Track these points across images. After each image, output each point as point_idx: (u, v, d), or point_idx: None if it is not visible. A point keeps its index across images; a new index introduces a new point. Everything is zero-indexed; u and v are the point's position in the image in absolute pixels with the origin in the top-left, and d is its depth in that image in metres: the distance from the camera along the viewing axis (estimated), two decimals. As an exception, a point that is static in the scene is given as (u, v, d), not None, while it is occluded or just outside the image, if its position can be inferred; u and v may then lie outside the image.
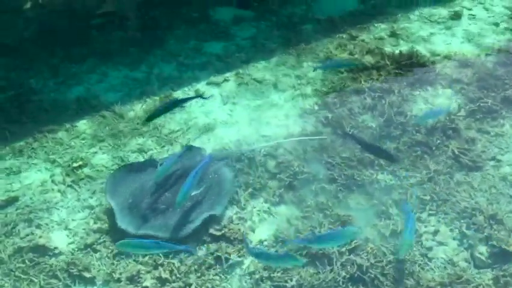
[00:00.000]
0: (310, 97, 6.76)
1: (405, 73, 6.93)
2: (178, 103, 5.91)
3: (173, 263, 4.92)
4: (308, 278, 4.82)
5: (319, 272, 4.87)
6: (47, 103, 6.77)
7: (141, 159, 6.01)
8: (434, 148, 5.94)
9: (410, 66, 7.02)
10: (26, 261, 5.01)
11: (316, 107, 6.57)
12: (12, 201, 5.63)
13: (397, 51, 7.26)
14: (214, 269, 4.97)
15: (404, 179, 5.65)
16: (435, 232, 5.23)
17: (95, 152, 6.11)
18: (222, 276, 4.93)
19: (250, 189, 5.62)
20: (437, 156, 5.88)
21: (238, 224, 5.31)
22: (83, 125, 6.50)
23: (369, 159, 5.81)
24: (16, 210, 5.53)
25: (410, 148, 5.96)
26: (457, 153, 5.85)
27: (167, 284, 4.80)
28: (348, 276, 4.83)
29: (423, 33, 7.80)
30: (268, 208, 5.51)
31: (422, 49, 7.41)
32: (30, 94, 6.89)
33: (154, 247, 4.54)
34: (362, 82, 6.82)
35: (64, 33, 7.49)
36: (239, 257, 5.05)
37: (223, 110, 6.66)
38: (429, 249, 5.10)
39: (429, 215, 5.39)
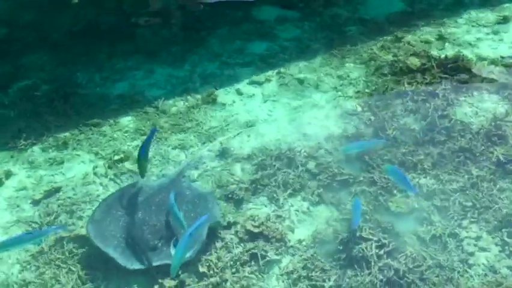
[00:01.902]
0: (352, 99, 6.71)
1: (451, 77, 6.81)
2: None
3: (211, 260, 4.93)
4: (346, 279, 4.78)
5: (357, 274, 4.82)
6: (92, 97, 6.89)
7: (182, 156, 6.06)
8: (478, 154, 5.82)
9: (456, 70, 6.90)
10: (66, 252, 5.10)
11: (358, 109, 6.52)
12: (54, 192, 5.74)
13: (443, 55, 7.14)
14: (250, 266, 4.96)
15: (446, 183, 5.55)
16: (477, 238, 5.13)
17: (138, 146, 6.19)
18: (259, 275, 4.93)
19: (289, 190, 5.61)
20: (480, 162, 5.75)
21: (276, 222, 5.30)
22: (126, 119, 6.59)
23: (412, 162, 5.73)
24: (58, 201, 5.64)
25: (454, 153, 5.85)
26: (501, 159, 5.72)
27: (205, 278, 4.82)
28: (385, 279, 4.77)
29: (470, 38, 7.67)
30: (308, 208, 5.49)
31: (468, 53, 7.28)
32: (76, 88, 7.03)
33: (26, 239, 4.58)
34: (406, 85, 6.74)
35: (110, 30, 7.64)
36: (276, 255, 5.04)
37: (264, 109, 6.67)
38: (470, 255, 5.00)
39: (471, 222, 5.28)
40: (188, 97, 6.89)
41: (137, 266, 4.66)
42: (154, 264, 4.70)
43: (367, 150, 5.80)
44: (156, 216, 5.00)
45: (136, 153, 5.64)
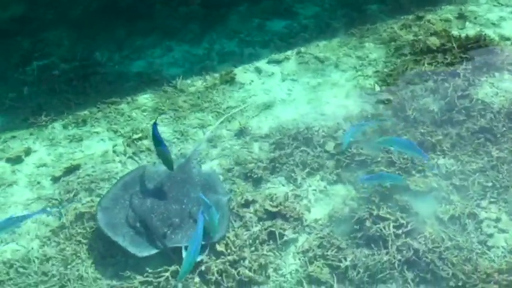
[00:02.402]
0: (372, 78, 6.65)
1: (472, 57, 6.72)
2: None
3: (229, 238, 4.96)
4: (363, 258, 4.78)
5: (374, 254, 4.83)
6: (111, 75, 6.90)
7: (200, 134, 6.07)
8: (498, 135, 5.76)
9: (477, 50, 6.80)
10: (87, 227, 5.15)
11: (377, 88, 6.47)
12: (74, 169, 5.79)
13: (464, 34, 7.04)
14: (268, 245, 4.99)
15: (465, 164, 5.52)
16: (497, 220, 5.10)
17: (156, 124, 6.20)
18: (276, 253, 4.95)
19: (307, 169, 5.61)
20: (501, 143, 5.70)
21: (293, 202, 5.31)
22: (144, 98, 6.61)
23: (431, 143, 5.69)
24: (78, 178, 5.69)
25: (473, 134, 5.80)
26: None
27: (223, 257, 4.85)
28: (403, 259, 4.78)
29: (492, 17, 7.54)
30: (325, 187, 5.49)
31: (490, 33, 7.17)
32: (95, 66, 7.04)
33: (11, 223, 4.63)
34: (426, 65, 6.66)
35: (129, 7, 7.63)
36: (294, 233, 5.06)
37: (282, 88, 6.64)
38: (489, 236, 4.98)
39: (490, 202, 5.25)
40: (207, 76, 6.88)
41: (146, 253, 4.65)
42: (161, 249, 4.71)
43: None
44: (165, 204, 4.99)
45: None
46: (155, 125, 4.99)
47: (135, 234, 4.78)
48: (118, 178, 5.44)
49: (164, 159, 5.06)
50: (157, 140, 4.97)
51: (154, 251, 4.67)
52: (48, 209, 5.17)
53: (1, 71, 6.98)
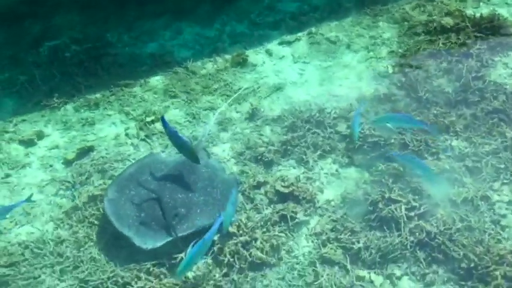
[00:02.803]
0: (385, 59, 6.60)
1: (486, 37, 6.63)
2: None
3: (241, 219, 4.98)
4: (375, 240, 4.78)
5: (386, 236, 4.83)
6: (122, 57, 6.89)
7: (211, 116, 6.06)
8: (512, 116, 5.72)
9: (491, 30, 6.71)
10: (100, 209, 5.17)
11: (390, 70, 6.42)
12: (87, 151, 5.81)
13: (478, 14, 6.94)
14: (279, 226, 5.00)
15: (478, 146, 5.48)
16: (509, 202, 5.07)
17: (168, 107, 6.21)
18: (288, 234, 4.96)
19: (319, 151, 5.60)
20: (514, 124, 5.66)
21: (306, 183, 5.31)
22: (156, 80, 6.60)
23: (444, 124, 5.65)
24: (91, 161, 5.72)
25: (487, 115, 5.75)
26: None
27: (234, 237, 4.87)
28: (416, 240, 4.77)
29: None
30: (337, 170, 5.48)
31: (504, 12, 7.06)
32: (106, 48, 7.03)
33: None
34: (440, 45, 6.59)
35: (139, -11, 7.60)
36: (305, 216, 5.06)
37: (294, 70, 6.61)
38: (503, 217, 4.96)
39: (503, 184, 5.21)
40: (218, 58, 6.85)
41: (150, 245, 4.62)
42: (167, 240, 4.68)
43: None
44: (170, 194, 4.96)
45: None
46: (164, 120, 4.96)
47: (140, 224, 4.76)
48: (128, 164, 5.46)
49: (188, 155, 5.04)
50: (176, 136, 4.95)
51: (159, 244, 4.64)
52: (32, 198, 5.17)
53: (13, 54, 6.99)
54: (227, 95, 6.32)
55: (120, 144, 5.88)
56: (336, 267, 4.72)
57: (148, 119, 6.07)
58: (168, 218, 4.72)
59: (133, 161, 5.57)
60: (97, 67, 6.73)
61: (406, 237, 4.78)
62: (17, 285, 4.65)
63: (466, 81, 6.06)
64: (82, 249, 4.91)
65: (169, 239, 4.65)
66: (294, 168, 5.55)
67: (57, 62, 6.83)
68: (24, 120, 6.20)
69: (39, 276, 4.72)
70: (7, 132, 6.07)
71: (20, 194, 5.43)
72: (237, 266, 4.69)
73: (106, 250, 4.87)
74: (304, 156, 5.58)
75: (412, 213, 4.91)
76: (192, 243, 4.30)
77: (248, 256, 4.73)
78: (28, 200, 4.89)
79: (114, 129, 6.06)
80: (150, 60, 6.87)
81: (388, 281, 4.64)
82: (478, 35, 6.62)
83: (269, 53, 6.86)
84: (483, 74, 6.15)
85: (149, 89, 6.48)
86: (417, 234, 4.80)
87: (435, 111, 5.80)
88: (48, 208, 5.31)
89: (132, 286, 4.54)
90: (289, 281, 4.68)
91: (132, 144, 5.88)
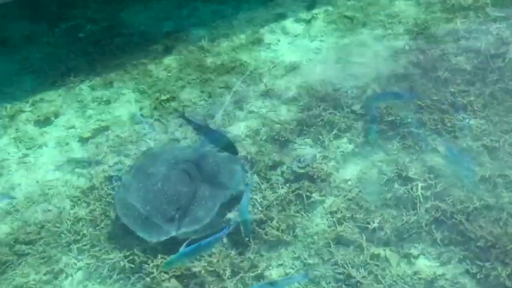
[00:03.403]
0: (402, 36, 6.51)
1: (506, 15, 6.51)
2: None
3: (256, 199, 4.98)
4: (391, 219, 4.76)
5: (402, 215, 4.80)
6: (138, 36, 6.89)
7: (227, 95, 6.04)
8: (531, 94, 5.63)
9: (511, 7, 6.58)
10: (116, 188, 5.19)
11: (407, 47, 6.34)
12: (102, 130, 5.83)
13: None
14: (295, 205, 4.99)
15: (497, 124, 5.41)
16: (528, 180, 5.02)
17: (183, 86, 6.20)
18: (304, 214, 4.96)
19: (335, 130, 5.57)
20: (533, 102, 5.57)
21: (321, 163, 5.29)
22: (171, 59, 6.59)
23: (462, 103, 5.58)
24: (106, 141, 5.74)
25: (507, 94, 5.66)
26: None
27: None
28: (431, 219, 4.74)
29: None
30: (353, 149, 5.45)
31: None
32: (122, 27, 7.02)
33: None
34: (458, 23, 6.49)
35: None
36: (321, 196, 5.05)
37: (311, 48, 6.55)
38: (520, 196, 4.92)
39: (522, 163, 5.16)
40: (233, 36, 6.80)
41: (155, 238, 4.57)
42: (171, 235, 4.61)
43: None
44: (175, 187, 4.86)
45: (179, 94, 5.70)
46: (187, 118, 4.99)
47: (146, 218, 4.69)
48: (143, 144, 5.47)
49: (226, 146, 4.99)
50: (211, 130, 4.99)
51: (162, 238, 4.57)
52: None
53: (29, 33, 7.01)
54: (242, 74, 6.28)
55: (135, 123, 5.88)
56: (352, 246, 4.71)
57: (163, 98, 6.05)
58: (171, 212, 4.67)
59: (148, 141, 5.58)
60: (112, 46, 6.73)
61: (422, 216, 4.75)
62: (35, 264, 4.69)
63: (484, 60, 5.97)
64: (98, 227, 4.94)
65: (173, 234, 4.59)
66: (310, 147, 5.51)
67: (73, 42, 6.84)
68: (41, 100, 6.22)
69: (56, 255, 4.76)
70: (23, 111, 6.11)
71: (36, 172, 5.47)
72: (253, 245, 4.69)
73: (122, 229, 4.89)
74: (320, 136, 5.54)
75: (428, 193, 4.86)
76: (188, 241, 4.34)
77: (264, 235, 4.72)
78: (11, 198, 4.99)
79: (129, 108, 6.06)
80: (166, 38, 6.85)
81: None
82: (498, 14, 6.48)
83: (285, 31, 6.79)
84: (502, 52, 6.04)
85: (165, 67, 6.46)
86: (433, 213, 4.76)
87: (452, 90, 5.72)
88: (64, 187, 5.33)
89: (148, 264, 4.56)
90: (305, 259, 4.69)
91: (147, 123, 5.87)
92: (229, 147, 4.95)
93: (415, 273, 4.47)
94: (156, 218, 4.65)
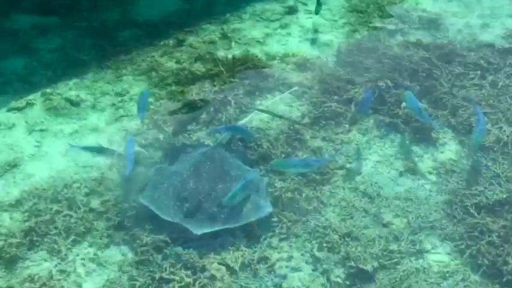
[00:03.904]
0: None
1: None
2: None
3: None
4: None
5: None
6: (149, 29, 7.02)
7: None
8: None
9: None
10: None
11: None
12: (115, 122, 5.84)
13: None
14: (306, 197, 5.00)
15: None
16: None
17: (194, 80, 6.24)
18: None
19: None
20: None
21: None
22: (182, 52, 6.67)
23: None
24: (118, 132, 5.71)
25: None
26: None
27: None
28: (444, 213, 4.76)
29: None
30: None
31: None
32: (133, 20, 7.20)
33: None
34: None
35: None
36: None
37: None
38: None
39: None
40: (245, 31, 6.88)
41: (199, 231, 4.54)
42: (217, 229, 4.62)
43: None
44: (209, 184, 4.84)
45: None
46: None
47: (185, 216, 4.65)
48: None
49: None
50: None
51: (208, 230, 4.57)
52: None
53: (40, 26, 7.00)
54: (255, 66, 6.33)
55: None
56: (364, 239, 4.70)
57: (174, 89, 6.10)
58: (213, 209, 4.68)
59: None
60: (123, 39, 6.85)
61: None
62: (46, 254, 4.69)
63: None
64: (110, 219, 4.88)
65: (219, 227, 4.61)
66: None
67: (83, 35, 6.93)
68: (52, 92, 6.13)
69: (67, 245, 4.71)
70: (34, 103, 6.03)
71: (49, 163, 5.41)
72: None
73: (133, 221, 4.84)
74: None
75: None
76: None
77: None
78: None
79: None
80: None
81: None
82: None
83: (297, 24, 6.74)
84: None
85: (176, 60, 6.53)
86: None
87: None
88: (77, 176, 5.25)
89: (158, 256, 4.53)
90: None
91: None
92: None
93: (428, 266, 4.52)
94: (197, 215, 4.65)
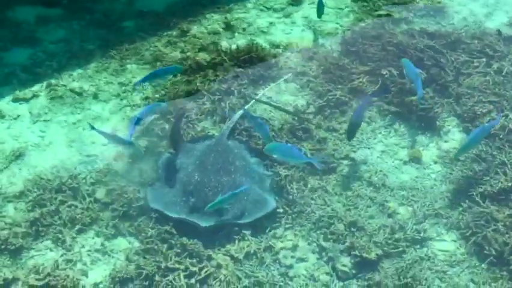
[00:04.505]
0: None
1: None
2: None
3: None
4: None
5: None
6: (152, 19, 6.92)
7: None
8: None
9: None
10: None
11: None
12: (118, 112, 5.84)
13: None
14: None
15: None
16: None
17: (198, 70, 6.16)
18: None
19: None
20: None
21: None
22: (185, 42, 6.61)
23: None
24: (122, 121, 5.73)
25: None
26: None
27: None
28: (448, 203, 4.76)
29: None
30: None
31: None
32: (136, 10, 7.10)
33: None
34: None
35: None
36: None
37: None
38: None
39: None
40: (248, 20, 6.87)
41: (206, 223, 4.58)
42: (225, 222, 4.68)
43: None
44: (215, 177, 4.82)
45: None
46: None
47: (191, 210, 4.67)
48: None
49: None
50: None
51: (215, 223, 4.62)
52: None
53: (43, 17, 6.96)
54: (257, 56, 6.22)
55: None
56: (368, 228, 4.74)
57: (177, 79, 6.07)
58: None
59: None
60: (126, 30, 6.80)
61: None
62: (51, 245, 4.71)
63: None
64: (115, 210, 4.91)
65: (226, 220, 4.66)
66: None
67: (87, 25, 6.87)
68: (56, 83, 6.10)
69: (72, 236, 4.74)
70: (39, 95, 5.99)
71: (53, 154, 5.41)
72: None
73: (138, 211, 4.86)
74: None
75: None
76: None
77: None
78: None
79: (144, 92, 6.03)
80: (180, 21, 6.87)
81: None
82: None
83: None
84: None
85: (180, 50, 6.49)
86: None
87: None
88: (81, 168, 5.26)
89: (164, 246, 4.58)
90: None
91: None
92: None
93: (433, 255, 4.56)
94: (204, 208, 4.64)
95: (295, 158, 4.80)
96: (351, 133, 5.09)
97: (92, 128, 4.99)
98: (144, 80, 5.52)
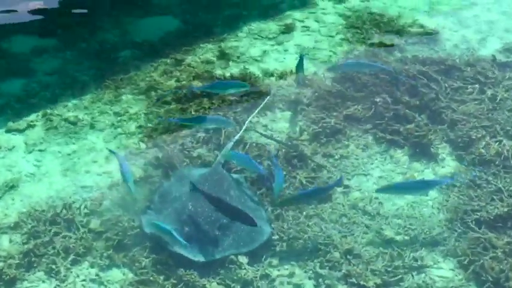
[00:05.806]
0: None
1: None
2: None
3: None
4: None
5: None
6: (146, 49, 7.00)
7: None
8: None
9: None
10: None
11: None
12: (112, 142, 5.86)
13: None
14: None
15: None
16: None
17: (193, 98, 6.21)
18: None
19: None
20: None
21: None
22: (180, 71, 6.67)
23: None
24: (117, 148, 5.70)
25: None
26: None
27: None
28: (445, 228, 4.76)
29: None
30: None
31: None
32: (130, 41, 7.16)
33: None
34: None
35: None
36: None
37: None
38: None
39: None
40: (242, 49, 6.89)
41: (202, 258, 4.54)
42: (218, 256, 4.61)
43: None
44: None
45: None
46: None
47: (187, 240, 4.58)
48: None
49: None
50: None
51: (210, 259, 4.58)
52: None
53: (38, 48, 7.02)
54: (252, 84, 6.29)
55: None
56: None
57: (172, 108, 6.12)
58: (214, 231, 4.66)
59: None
60: (120, 60, 6.86)
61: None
62: (44, 276, 4.66)
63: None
64: (109, 240, 4.88)
65: (220, 255, 4.61)
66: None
67: (81, 56, 6.93)
68: (51, 113, 6.15)
69: (66, 266, 4.69)
70: (34, 125, 6.03)
71: (48, 184, 5.41)
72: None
73: (133, 241, 4.83)
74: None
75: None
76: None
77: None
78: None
79: (138, 122, 6.05)
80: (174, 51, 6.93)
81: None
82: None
83: (294, 43, 6.73)
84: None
85: (176, 79, 6.54)
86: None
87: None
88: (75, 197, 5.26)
89: (159, 278, 4.54)
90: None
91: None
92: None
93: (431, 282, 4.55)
94: (199, 239, 4.61)
95: (251, 168, 5.01)
96: None
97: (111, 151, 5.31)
98: (204, 87, 5.85)
